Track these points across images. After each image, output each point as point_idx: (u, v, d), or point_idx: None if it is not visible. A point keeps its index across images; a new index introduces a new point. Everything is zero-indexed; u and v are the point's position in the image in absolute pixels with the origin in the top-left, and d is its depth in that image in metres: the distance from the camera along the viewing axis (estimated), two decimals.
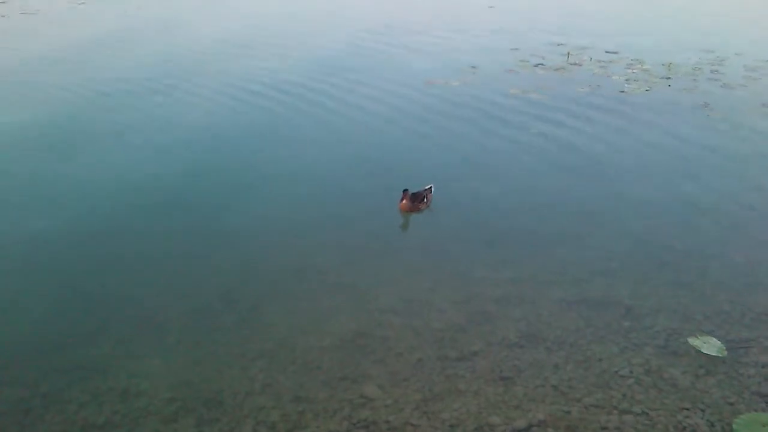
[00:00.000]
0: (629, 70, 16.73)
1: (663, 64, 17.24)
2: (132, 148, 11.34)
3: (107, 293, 7.20)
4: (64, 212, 8.98)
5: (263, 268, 7.73)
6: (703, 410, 5.66)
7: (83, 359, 6.20)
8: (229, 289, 7.28)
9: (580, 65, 17.32)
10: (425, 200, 9.20)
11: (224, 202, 9.35)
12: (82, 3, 25.92)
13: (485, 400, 5.77)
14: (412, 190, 9.11)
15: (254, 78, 15.93)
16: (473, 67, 17.06)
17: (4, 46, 18.98)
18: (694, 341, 6.48)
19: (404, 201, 9.01)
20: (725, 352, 6.33)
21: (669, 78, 16.01)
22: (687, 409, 5.67)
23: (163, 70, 16.57)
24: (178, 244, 8.22)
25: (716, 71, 16.70)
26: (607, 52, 18.72)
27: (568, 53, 18.54)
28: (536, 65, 17.30)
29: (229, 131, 12.29)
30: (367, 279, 7.54)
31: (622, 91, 14.89)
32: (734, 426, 5.49)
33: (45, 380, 5.93)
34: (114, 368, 6.08)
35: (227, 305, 7.01)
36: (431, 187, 9.49)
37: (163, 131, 12.19)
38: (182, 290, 7.26)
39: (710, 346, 6.41)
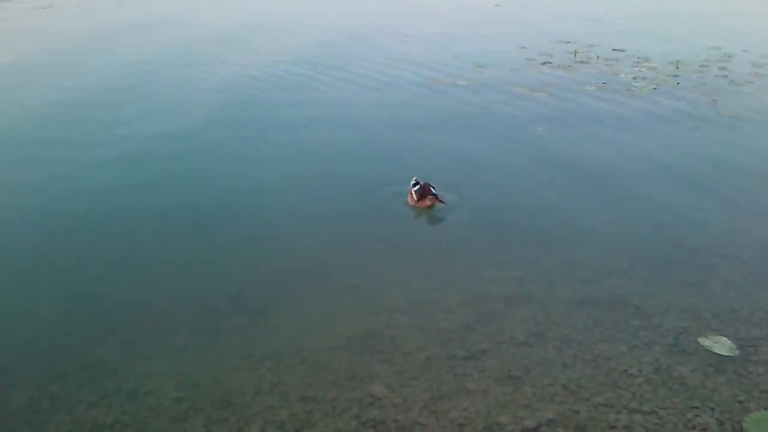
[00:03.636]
0: (637, 68, 16.68)
1: (670, 62, 17.18)
2: (134, 151, 11.39)
3: (115, 295, 7.22)
4: (71, 213, 9.03)
5: (270, 269, 7.73)
6: (712, 409, 5.62)
7: (92, 361, 6.22)
8: (237, 290, 7.29)
9: (588, 63, 17.28)
10: (432, 190, 9.10)
11: (230, 203, 9.37)
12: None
13: (494, 400, 5.75)
14: (414, 188, 9.10)
15: (250, 72, 15.97)
16: (480, 66, 17.05)
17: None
18: (704, 341, 6.44)
19: (425, 198, 8.96)
20: (736, 351, 6.28)
21: (676, 76, 15.95)
22: (697, 408, 5.63)
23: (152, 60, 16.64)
24: (185, 246, 8.24)
25: (724, 68, 16.63)
26: (614, 50, 18.67)
27: (575, 51, 18.50)
28: (543, 63, 17.27)
29: (231, 129, 12.31)
30: (374, 279, 7.53)
31: (630, 90, 14.84)
32: (744, 424, 5.45)
33: (54, 381, 5.95)
34: (123, 369, 6.10)
35: (235, 307, 7.02)
36: (426, 183, 9.36)
37: (163, 136, 12.23)
38: (190, 292, 7.27)
39: (721, 345, 6.37)
